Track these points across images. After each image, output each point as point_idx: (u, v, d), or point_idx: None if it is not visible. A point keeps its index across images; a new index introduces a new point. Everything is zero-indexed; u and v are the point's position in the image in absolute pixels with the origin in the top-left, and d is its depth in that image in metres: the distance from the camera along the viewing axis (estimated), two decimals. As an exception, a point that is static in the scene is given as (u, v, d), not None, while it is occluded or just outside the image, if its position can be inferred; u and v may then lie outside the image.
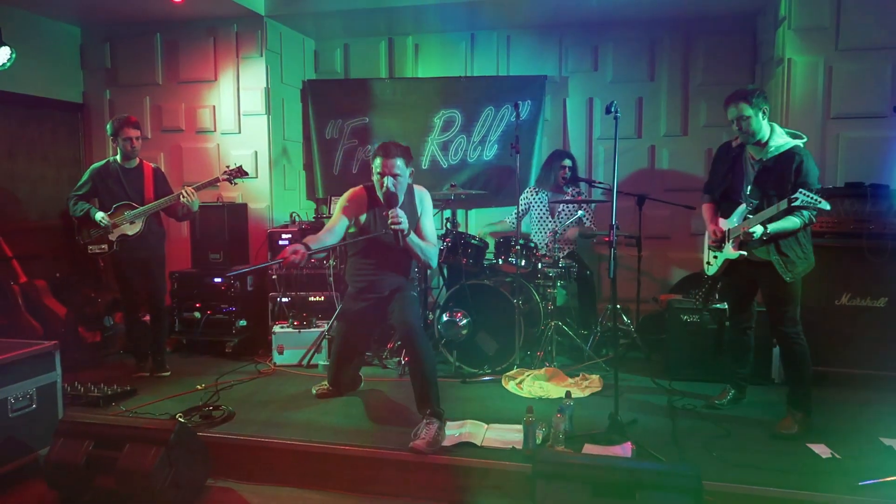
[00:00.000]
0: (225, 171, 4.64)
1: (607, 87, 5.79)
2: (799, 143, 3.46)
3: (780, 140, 3.45)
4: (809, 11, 4.60)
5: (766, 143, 3.45)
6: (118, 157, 4.51)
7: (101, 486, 2.99)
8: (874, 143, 4.54)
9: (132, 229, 4.42)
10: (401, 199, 3.54)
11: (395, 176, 3.51)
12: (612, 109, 3.41)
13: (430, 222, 3.76)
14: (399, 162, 3.52)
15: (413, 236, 3.55)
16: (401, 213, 3.44)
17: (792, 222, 3.36)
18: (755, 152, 3.53)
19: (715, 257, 3.75)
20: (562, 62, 5.89)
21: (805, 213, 3.34)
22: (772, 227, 3.36)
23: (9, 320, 4.87)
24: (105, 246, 4.43)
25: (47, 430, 3.26)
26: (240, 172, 4.64)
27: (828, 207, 3.21)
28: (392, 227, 3.43)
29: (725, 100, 3.50)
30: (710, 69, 5.60)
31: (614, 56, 5.78)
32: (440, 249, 4.69)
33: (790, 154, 3.39)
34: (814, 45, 4.62)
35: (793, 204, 3.21)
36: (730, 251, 3.58)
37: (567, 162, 5.23)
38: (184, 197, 4.38)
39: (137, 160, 4.56)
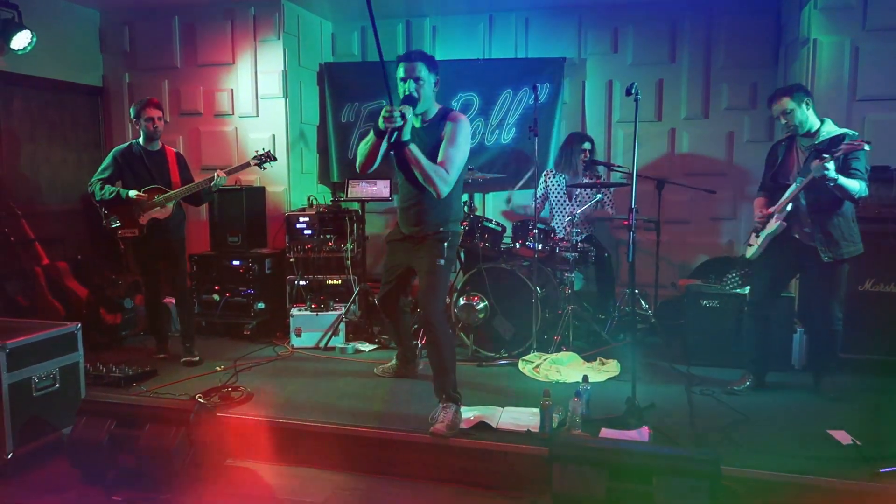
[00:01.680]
0: (255, 156, 4.60)
1: (627, 70, 5.71)
2: (850, 132, 3.63)
3: (832, 128, 3.63)
4: (836, -10, 4.50)
5: (817, 132, 3.63)
6: (140, 140, 4.50)
7: (122, 465, 3.04)
8: (902, 125, 4.44)
9: (163, 213, 4.40)
10: (422, 107, 3.31)
11: (416, 80, 3.28)
12: (633, 91, 3.39)
13: (454, 150, 3.27)
14: (420, 65, 3.29)
15: (416, 149, 3.20)
16: (407, 110, 3.17)
17: (854, 184, 3.47)
18: (806, 142, 3.68)
19: (757, 237, 3.81)
20: (581, 44, 5.82)
21: (863, 183, 3.50)
22: (841, 177, 3.43)
23: (32, 301, 4.96)
24: (136, 230, 4.39)
25: (70, 409, 3.32)
26: (268, 157, 4.62)
27: (867, 148, 3.40)
28: (385, 122, 3.11)
29: (767, 101, 3.74)
30: (733, 51, 5.50)
31: (634, 37, 5.69)
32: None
33: (841, 137, 3.56)
34: (840, 25, 4.51)
35: (836, 154, 3.40)
36: (771, 224, 3.70)
37: (586, 145, 5.18)
38: (215, 180, 4.35)
39: (160, 143, 4.55)
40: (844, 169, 3.48)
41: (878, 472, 2.83)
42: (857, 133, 3.64)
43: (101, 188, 4.41)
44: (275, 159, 4.69)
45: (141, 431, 3.02)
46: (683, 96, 5.66)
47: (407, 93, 3.30)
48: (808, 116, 3.62)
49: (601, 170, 5.34)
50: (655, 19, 5.63)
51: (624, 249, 5.38)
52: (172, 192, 4.40)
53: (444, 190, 3.28)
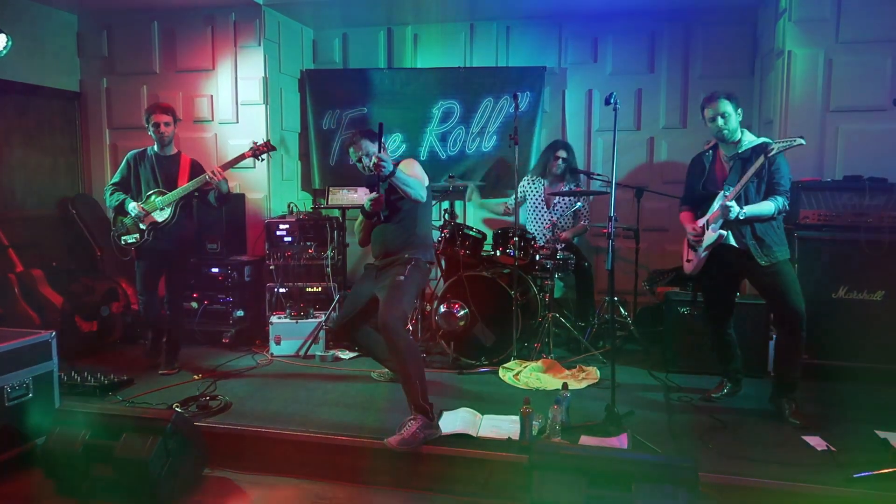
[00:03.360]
0: (252, 147, 4.51)
1: (607, 79, 5.77)
2: (768, 140, 3.61)
3: (751, 137, 3.64)
4: (810, 3, 4.57)
5: (739, 142, 3.63)
6: (155, 146, 4.46)
7: (97, 475, 3.00)
8: (874, 136, 4.53)
9: (161, 216, 4.34)
10: (389, 167, 3.51)
11: (367, 155, 3.72)
12: (612, 101, 3.42)
13: (414, 171, 3.74)
14: (364, 143, 3.76)
15: (399, 173, 3.56)
16: (385, 157, 3.49)
17: (767, 206, 3.52)
18: (728, 151, 3.68)
19: (694, 252, 3.78)
20: (561, 53, 5.87)
21: (779, 199, 3.51)
22: (748, 208, 3.51)
23: (5, 309, 4.86)
24: (137, 236, 4.36)
25: (44, 419, 3.27)
26: (267, 147, 4.52)
27: (803, 142, 3.38)
28: (375, 168, 3.45)
29: (704, 100, 3.65)
30: (710, 61, 5.58)
31: (614, 47, 5.76)
32: (438, 240, 4.70)
33: (764, 145, 3.54)
34: (814, 38, 4.60)
35: (769, 154, 3.38)
36: (709, 236, 3.64)
37: (562, 153, 5.21)
38: (211, 177, 4.26)
39: (175, 149, 4.50)
40: (769, 186, 3.52)
41: (852, 478, 2.87)
42: (769, 141, 3.56)
43: (112, 194, 4.42)
44: (274, 149, 4.61)
45: (116, 442, 2.98)
46: (662, 106, 5.73)
47: (369, 170, 3.58)
48: (738, 126, 3.59)
49: (581, 178, 5.38)
50: (635, 30, 5.69)
51: (603, 257, 5.42)
52: (169, 194, 4.34)
53: (423, 195, 3.69)
